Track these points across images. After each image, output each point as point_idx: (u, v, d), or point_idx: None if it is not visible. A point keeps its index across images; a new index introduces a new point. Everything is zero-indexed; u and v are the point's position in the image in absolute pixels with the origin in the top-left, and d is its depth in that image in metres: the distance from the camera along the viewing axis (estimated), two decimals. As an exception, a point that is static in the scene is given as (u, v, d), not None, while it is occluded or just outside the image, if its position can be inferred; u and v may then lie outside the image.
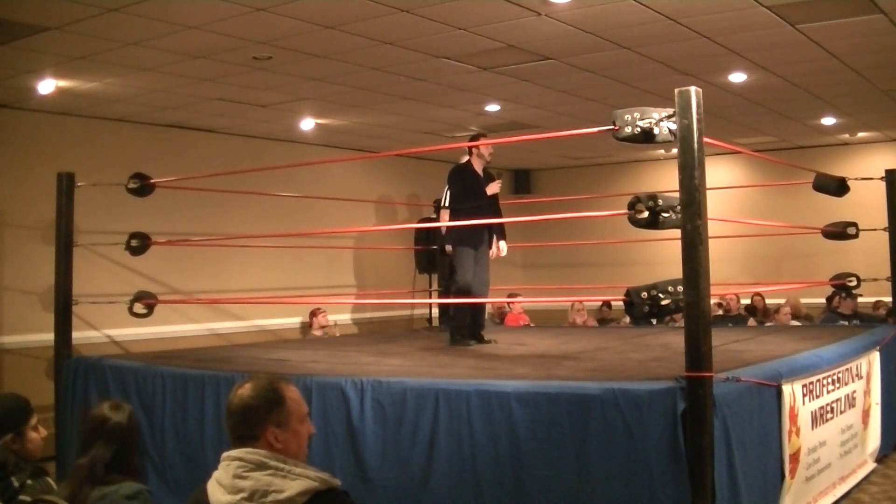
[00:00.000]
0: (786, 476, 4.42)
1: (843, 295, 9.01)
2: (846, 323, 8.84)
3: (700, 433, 3.65)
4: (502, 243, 6.76)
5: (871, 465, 5.89)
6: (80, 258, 6.73)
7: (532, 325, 10.09)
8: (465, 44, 6.12)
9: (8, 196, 7.43)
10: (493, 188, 6.54)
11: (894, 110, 8.77)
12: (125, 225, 7.15)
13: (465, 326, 6.61)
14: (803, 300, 10.08)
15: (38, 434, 3.44)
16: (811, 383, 4.89)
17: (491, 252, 6.77)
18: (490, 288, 6.89)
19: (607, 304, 10.66)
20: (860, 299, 9.09)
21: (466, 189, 6.52)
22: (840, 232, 6.97)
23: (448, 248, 7.53)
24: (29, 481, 3.28)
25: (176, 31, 5.59)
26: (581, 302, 10.15)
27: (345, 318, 10.06)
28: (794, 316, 9.61)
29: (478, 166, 6.63)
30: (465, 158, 6.71)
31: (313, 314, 9.10)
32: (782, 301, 9.90)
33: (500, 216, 6.73)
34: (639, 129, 3.95)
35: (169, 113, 8.12)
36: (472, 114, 8.70)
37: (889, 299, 7.51)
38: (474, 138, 6.87)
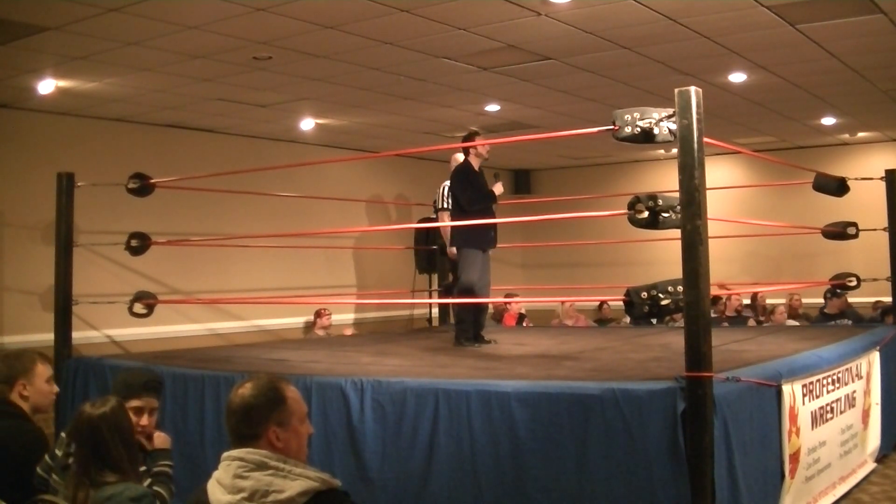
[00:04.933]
0: (786, 476, 4.42)
1: (829, 295, 9.00)
2: (834, 323, 8.81)
3: (700, 433, 3.65)
4: None
5: (871, 465, 5.89)
6: (80, 258, 6.73)
7: (531, 324, 10.08)
8: (465, 44, 6.12)
9: (8, 196, 7.43)
10: (499, 189, 6.43)
11: (894, 110, 8.76)
12: (125, 225, 7.15)
13: (469, 328, 6.58)
14: (804, 300, 10.07)
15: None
16: (811, 383, 4.89)
17: None
18: (490, 288, 6.88)
19: (606, 303, 10.65)
20: (858, 299, 9.08)
21: (477, 190, 6.39)
22: (840, 232, 6.96)
23: (452, 250, 7.41)
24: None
25: (176, 31, 5.59)
26: (572, 305, 10.07)
27: (345, 318, 10.06)
28: (791, 315, 9.61)
29: (476, 165, 6.49)
30: (462, 158, 6.54)
31: (318, 315, 9.11)
32: (782, 301, 9.90)
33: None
34: (639, 129, 3.95)
35: (169, 113, 8.12)
36: (472, 114, 8.70)
37: (888, 299, 7.51)
38: (469, 137, 6.61)
